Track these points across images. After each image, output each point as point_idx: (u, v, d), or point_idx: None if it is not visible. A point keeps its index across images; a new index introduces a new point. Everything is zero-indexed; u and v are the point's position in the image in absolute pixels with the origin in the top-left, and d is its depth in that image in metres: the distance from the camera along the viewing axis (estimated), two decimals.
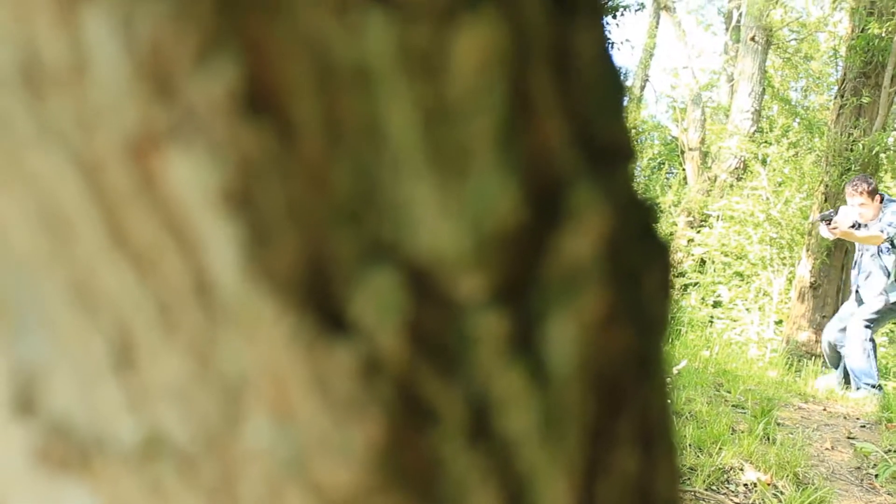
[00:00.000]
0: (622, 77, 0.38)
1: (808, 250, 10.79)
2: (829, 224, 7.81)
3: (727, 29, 19.75)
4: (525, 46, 0.32)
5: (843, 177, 10.29)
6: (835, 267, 10.61)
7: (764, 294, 12.80)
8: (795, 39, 17.29)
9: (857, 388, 7.72)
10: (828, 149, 10.79)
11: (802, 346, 10.32)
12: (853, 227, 7.77)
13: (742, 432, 4.75)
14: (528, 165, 0.32)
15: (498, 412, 0.33)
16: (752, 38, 15.90)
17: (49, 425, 0.33)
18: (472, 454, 0.33)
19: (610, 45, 0.38)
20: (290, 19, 0.29)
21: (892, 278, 7.75)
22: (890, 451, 5.13)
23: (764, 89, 16.06)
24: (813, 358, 9.52)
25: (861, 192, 7.70)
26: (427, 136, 0.31)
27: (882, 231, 7.64)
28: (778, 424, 5.28)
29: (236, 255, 0.30)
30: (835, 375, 8.18)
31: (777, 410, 5.63)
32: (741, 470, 4.33)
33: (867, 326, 7.80)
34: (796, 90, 18.38)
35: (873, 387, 7.66)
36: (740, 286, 13.34)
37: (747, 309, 12.62)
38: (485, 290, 0.32)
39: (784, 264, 12.82)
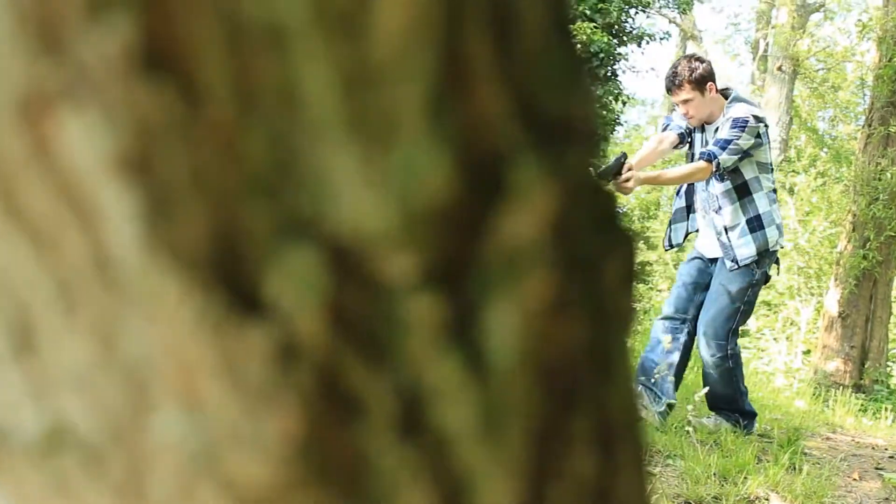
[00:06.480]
0: (580, 53, 0.35)
1: (836, 280, 10.68)
2: (620, 176, 4.38)
3: (754, 59, 19.73)
4: (459, 9, 0.30)
5: (871, 206, 10.20)
6: (863, 297, 10.49)
7: (791, 324, 12.68)
8: (822, 69, 17.23)
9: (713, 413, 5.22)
10: (855, 178, 10.70)
11: (830, 376, 10.21)
12: (680, 142, 5.03)
13: (768, 462, 4.68)
14: (464, 137, 0.30)
15: (432, 405, 0.31)
16: (779, 68, 15.88)
17: None
18: (402, 450, 0.30)
19: (572, 20, 0.35)
20: None
21: (728, 228, 4.92)
22: None
23: (791, 119, 16.01)
24: (841, 388, 9.40)
25: (681, 84, 4.85)
26: (348, 101, 0.28)
27: (710, 156, 4.73)
28: (805, 454, 5.20)
29: (135, 227, 0.28)
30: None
31: (804, 440, 5.55)
32: (767, 500, 4.26)
33: (729, 319, 4.97)
34: (823, 120, 18.29)
35: (742, 415, 5.14)
36: (768, 315, 13.23)
37: (775, 339, 12.51)
38: (415, 271, 0.30)
39: (812, 294, 12.72)
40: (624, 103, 11.83)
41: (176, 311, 0.28)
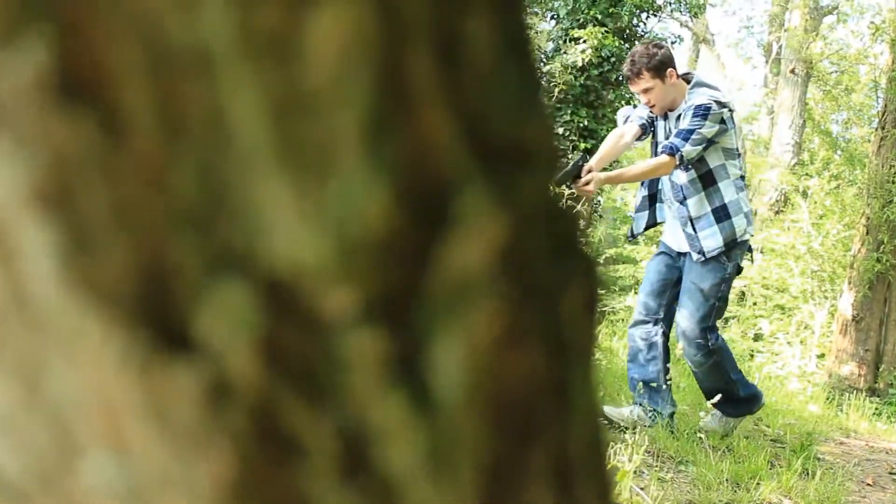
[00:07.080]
0: (537, 75, 0.34)
1: (849, 283, 10.62)
2: (580, 179, 4.15)
3: (767, 61, 19.68)
4: (399, 30, 0.28)
5: (885, 209, 10.14)
6: (877, 300, 10.44)
7: (805, 327, 12.61)
8: (836, 72, 17.15)
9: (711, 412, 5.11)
10: (869, 181, 10.63)
11: (845, 380, 10.15)
12: (643, 133, 4.76)
13: (781, 467, 4.65)
14: (406, 164, 0.29)
15: (376, 445, 0.29)
16: (792, 71, 15.82)
17: None
18: (345, 492, 0.29)
19: (528, 39, 0.34)
20: None
21: (694, 219, 4.63)
22: None
23: (804, 121, 15.95)
24: (855, 392, 9.34)
25: (640, 73, 4.56)
26: (279, 129, 0.27)
27: (673, 149, 4.43)
28: (818, 459, 5.17)
29: (53, 263, 0.26)
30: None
31: (817, 445, 5.52)
32: None
33: (705, 317, 4.68)
34: (837, 122, 18.21)
35: (740, 403, 4.97)
36: (781, 319, 13.15)
37: (788, 342, 12.44)
38: (355, 305, 0.28)
39: (826, 297, 12.64)
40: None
41: (99, 351, 0.27)
